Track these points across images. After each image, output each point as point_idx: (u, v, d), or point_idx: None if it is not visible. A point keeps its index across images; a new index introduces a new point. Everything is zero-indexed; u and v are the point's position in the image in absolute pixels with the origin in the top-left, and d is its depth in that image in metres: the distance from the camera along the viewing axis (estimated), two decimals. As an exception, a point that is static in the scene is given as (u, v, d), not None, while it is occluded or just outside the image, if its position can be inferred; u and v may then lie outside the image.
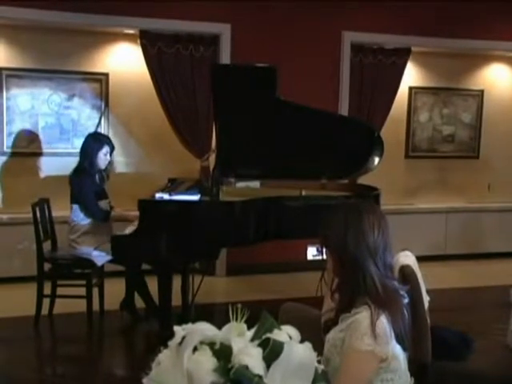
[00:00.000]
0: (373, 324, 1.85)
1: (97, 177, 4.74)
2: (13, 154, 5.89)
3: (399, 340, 1.93)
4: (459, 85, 7.20)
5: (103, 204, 4.71)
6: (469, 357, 2.98)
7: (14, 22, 5.63)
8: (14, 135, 5.86)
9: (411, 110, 7.09)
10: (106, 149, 4.71)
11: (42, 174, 5.99)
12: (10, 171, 5.91)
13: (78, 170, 4.70)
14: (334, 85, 6.40)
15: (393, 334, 1.90)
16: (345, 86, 6.44)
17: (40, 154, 5.96)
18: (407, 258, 2.74)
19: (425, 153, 7.21)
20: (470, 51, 6.96)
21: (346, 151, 4.77)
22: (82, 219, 4.63)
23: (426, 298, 2.75)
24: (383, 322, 1.87)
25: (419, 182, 7.17)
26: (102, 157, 4.70)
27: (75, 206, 4.64)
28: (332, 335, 1.98)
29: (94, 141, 4.75)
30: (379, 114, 6.61)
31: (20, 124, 5.88)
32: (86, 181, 4.63)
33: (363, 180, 5.55)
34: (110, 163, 4.93)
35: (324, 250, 2.07)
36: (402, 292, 2.02)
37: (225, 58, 5.98)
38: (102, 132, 5.97)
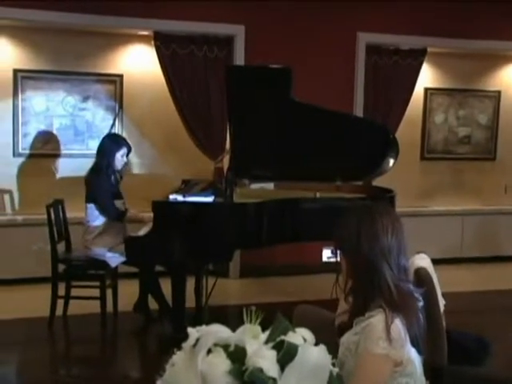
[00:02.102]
0: (387, 327, 1.84)
1: (112, 177, 4.77)
2: (28, 156, 5.94)
3: (414, 344, 1.93)
4: (475, 86, 7.16)
5: (118, 204, 4.74)
6: (485, 361, 2.96)
7: (28, 24, 5.68)
8: (29, 136, 5.92)
9: (427, 111, 7.06)
10: (123, 150, 4.74)
11: (57, 176, 6.03)
12: (24, 172, 5.96)
13: (94, 170, 4.73)
14: (349, 86, 6.39)
15: (408, 338, 1.89)
16: (360, 88, 6.43)
17: (55, 156, 6.01)
18: (422, 261, 2.73)
19: (440, 154, 7.18)
20: (487, 52, 6.91)
21: (361, 153, 4.75)
22: (96, 219, 4.66)
23: (441, 301, 2.73)
24: (398, 325, 1.86)
25: (435, 184, 7.14)
26: (119, 158, 4.73)
27: (90, 206, 4.67)
28: (346, 338, 1.97)
29: (112, 142, 4.78)
30: (394, 116, 6.59)
31: (35, 125, 5.93)
32: (102, 180, 4.65)
33: (378, 182, 5.53)
34: (126, 165, 4.95)
35: (338, 253, 2.07)
36: (416, 295, 2.01)
37: (239, 59, 5.99)
38: (117, 133, 6.00)
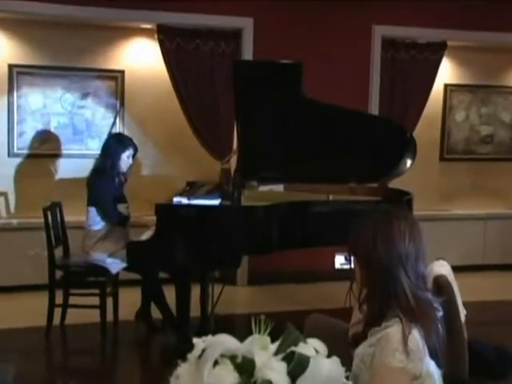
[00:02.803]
0: (405, 339, 1.84)
1: (116, 180, 4.78)
2: (24, 156, 5.97)
3: (433, 356, 1.92)
4: (498, 82, 7.14)
5: (122, 208, 4.75)
6: (508, 374, 2.96)
7: (25, 17, 5.70)
8: (25, 136, 5.94)
9: (446, 108, 7.05)
10: (129, 151, 4.76)
11: (54, 177, 6.06)
12: (20, 174, 5.98)
13: (97, 171, 4.74)
14: (364, 82, 6.38)
15: (426, 350, 1.89)
16: (375, 84, 6.42)
17: (52, 156, 6.03)
18: (442, 268, 2.72)
19: (461, 155, 7.16)
20: (511, 45, 6.89)
21: (376, 153, 4.75)
22: (97, 224, 4.67)
23: (462, 311, 2.72)
24: (416, 336, 1.86)
25: (455, 186, 7.12)
26: (125, 159, 4.75)
27: (91, 209, 4.68)
28: (361, 350, 1.97)
29: (118, 142, 4.79)
30: (412, 114, 6.58)
31: (31, 124, 5.96)
32: (105, 182, 4.66)
33: (394, 184, 5.53)
34: (132, 166, 4.96)
35: (352, 259, 2.07)
36: (435, 304, 2.01)
37: (247, 53, 6.00)
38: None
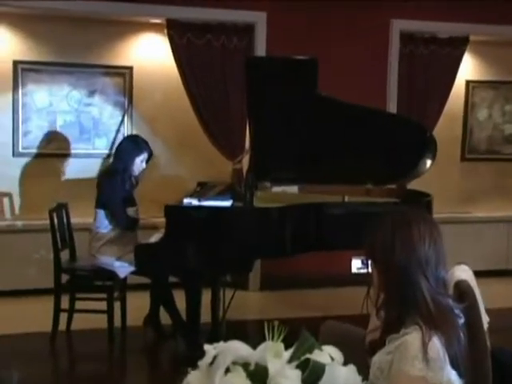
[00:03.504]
0: (424, 346, 1.84)
1: (127, 183, 4.79)
2: (29, 155, 6.00)
3: (454, 365, 1.92)
4: (523, 78, 7.11)
5: (131, 211, 4.77)
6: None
7: (30, 11, 5.73)
8: (30, 135, 5.98)
9: (468, 106, 7.02)
10: (144, 155, 4.78)
11: (61, 177, 6.09)
12: (25, 174, 6.02)
13: (109, 172, 4.78)
14: (381, 79, 6.37)
15: (447, 358, 1.88)
16: (393, 81, 6.41)
17: (58, 156, 6.06)
18: (463, 273, 2.70)
19: (484, 155, 7.13)
20: (537, 40, 6.86)
21: (395, 153, 4.74)
22: (105, 226, 4.69)
23: (485, 318, 2.71)
24: (436, 344, 1.86)
25: (477, 188, 7.08)
26: (139, 163, 4.77)
27: (100, 212, 4.70)
28: (378, 358, 1.97)
29: (134, 145, 4.80)
30: (432, 112, 6.56)
31: (37, 122, 5.99)
32: (116, 185, 4.68)
33: (413, 185, 5.51)
34: (144, 171, 4.97)
35: (369, 263, 2.07)
36: (457, 311, 2.00)
37: (260, 49, 6.00)
38: (125, 131, 6.05)
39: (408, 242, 1.97)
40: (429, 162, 4.82)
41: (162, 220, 4.37)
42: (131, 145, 4.82)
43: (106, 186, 4.71)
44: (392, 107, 6.36)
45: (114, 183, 4.68)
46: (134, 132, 5.91)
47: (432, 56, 6.53)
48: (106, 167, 4.81)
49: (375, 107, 5.21)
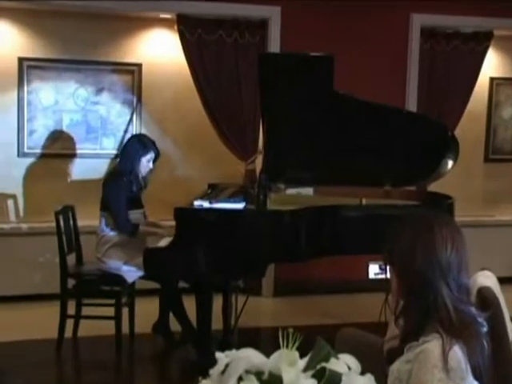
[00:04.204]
0: (445, 355, 1.84)
1: (134, 184, 4.80)
2: (34, 156, 6.03)
3: (477, 376, 1.91)
4: (550, 75, 7.07)
5: (136, 214, 4.77)
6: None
7: (35, 7, 5.76)
8: (35, 134, 6.01)
9: (492, 104, 6.99)
10: (150, 155, 4.79)
11: (67, 179, 6.11)
12: (30, 175, 6.05)
13: (114, 173, 4.80)
14: (401, 76, 6.36)
15: (469, 369, 1.88)
16: (413, 78, 6.39)
17: (64, 156, 6.08)
18: (487, 279, 2.70)
19: (508, 155, 7.09)
20: None
21: (415, 153, 4.73)
22: (111, 229, 4.71)
23: (509, 327, 2.70)
24: (457, 353, 1.85)
25: (501, 190, 7.05)
26: (145, 163, 4.78)
27: (105, 214, 4.72)
28: (397, 366, 1.97)
29: (140, 145, 4.80)
30: (454, 110, 6.54)
31: (42, 122, 6.02)
32: (121, 186, 4.69)
33: (434, 187, 5.49)
34: (151, 171, 4.98)
35: (388, 268, 2.07)
36: (480, 319, 2.00)
37: (274, 45, 6.01)
38: (134, 130, 6.07)
39: (429, 246, 1.97)
40: (450, 163, 4.81)
41: (171, 223, 4.39)
42: (137, 144, 4.82)
43: (109, 188, 4.72)
44: (412, 105, 6.34)
45: (118, 185, 4.69)
46: (143, 131, 5.92)
47: (454, 52, 6.51)
48: (111, 168, 4.81)
49: (394, 105, 5.21)
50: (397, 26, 6.29)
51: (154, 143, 4.90)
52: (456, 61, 6.51)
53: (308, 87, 4.47)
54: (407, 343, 1.96)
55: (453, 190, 5.05)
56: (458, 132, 5.61)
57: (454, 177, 5.21)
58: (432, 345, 1.88)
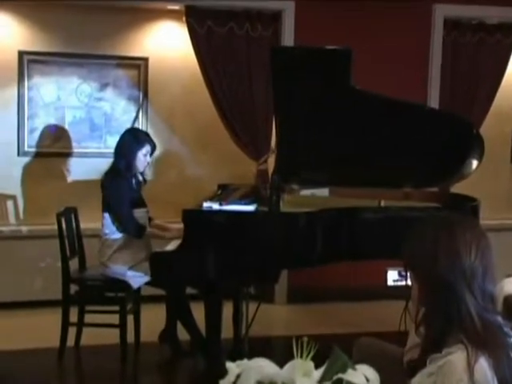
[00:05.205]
0: (470, 368, 1.83)
1: (133, 181, 4.83)
2: (35, 155, 6.06)
3: (504, 389, 1.91)
4: None
5: (140, 213, 4.78)
6: None
7: (38, -2, 5.79)
8: (36, 132, 6.04)
9: (520, 100, 6.96)
10: (146, 148, 4.79)
11: (69, 179, 6.14)
12: (31, 175, 6.08)
13: (111, 172, 4.78)
14: (422, 70, 6.34)
15: (496, 382, 1.87)
16: (435, 72, 6.38)
17: (67, 155, 6.11)
18: (513, 286, 2.70)
19: (537, 154, 7.07)
20: None
21: (437, 152, 4.72)
22: (115, 232, 4.72)
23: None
24: (483, 365, 1.85)
25: (529, 191, 7.03)
26: (142, 158, 4.78)
27: (107, 216, 4.73)
28: (419, 379, 1.96)
29: (133, 139, 4.81)
30: (479, 106, 6.52)
31: (44, 119, 6.05)
32: (121, 185, 4.70)
33: (457, 188, 5.48)
34: (149, 165, 4.99)
35: (408, 274, 2.07)
36: (506, 329, 1.99)
37: (287, 38, 6.01)
38: (140, 128, 6.08)
39: (452, 251, 1.96)
40: (475, 163, 4.79)
41: (179, 226, 4.40)
42: (130, 139, 4.81)
43: (109, 188, 4.72)
44: (434, 101, 6.33)
45: (118, 184, 4.70)
46: (150, 129, 5.93)
47: (479, 44, 6.49)
48: (108, 168, 4.81)
49: (415, 101, 5.20)
50: (418, 18, 6.28)
51: (148, 135, 4.91)
52: (481, 54, 6.49)
53: (324, 83, 4.47)
54: (429, 354, 1.96)
55: (477, 192, 5.03)
56: (483, 130, 5.59)
57: (479, 177, 5.18)
58: (456, 357, 1.87)
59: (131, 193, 4.77)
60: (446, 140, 4.73)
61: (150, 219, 4.91)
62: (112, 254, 4.72)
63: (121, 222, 4.71)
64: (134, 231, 4.71)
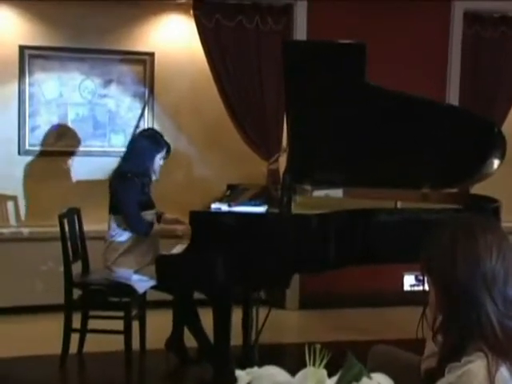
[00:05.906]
0: (491, 377, 1.83)
1: (146, 185, 4.80)
2: (36, 153, 6.08)
3: (525, 399, 1.91)
4: None
5: (148, 216, 4.80)
6: None
7: (40, -9, 5.82)
8: (38, 130, 6.06)
9: (544, 97, 6.94)
10: (163, 152, 4.81)
11: (72, 178, 6.16)
12: (32, 174, 6.10)
13: (124, 174, 4.73)
14: (441, 66, 6.33)
15: (517, 392, 1.87)
16: (455, 68, 6.37)
17: (69, 154, 6.14)
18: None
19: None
20: None
21: (456, 151, 4.71)
22: (121, 234, 4.73)
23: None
24: (504, 375, 1.85)
25: (553, 193, 6.99)
26: (158, 162, 4.79)
27: (114, 218, 4.74)
28: (437, 389, 1.96)
29: (153, 141, 4.79)
30: (500, 104, 6.51)
31: (46, 116, 6.07)
32: (131, 189, 4.69)
33: (478, 189, 5.46)
34: (161, 168, 4.98)
35: (426, 279, 2.06)
36: (528, 336, 1.99)
37: (299, 33, 6.02)
38: (146, 126, 6.10)
39: (472, 254, 1.96)
40: (496, 163, 4.78)
41: (186, 227, 4.40)
42: (150, 142, 4.78)
43: (120, 189, 4.71)
44: (453, 99, 6.32)
45: (128, 187, 4.68)
46: (156, 127, 5.92)
47: (502, 39, 6.48)
48: (118, 167, 4.80)
49: (433, 99, 5.19)
50: (437, 10, 6.27)
51: (163, 137, 4.91)
52: (504, 48, 6.48)
53: (337, 78, 4.46)
54: (447, 363, 1.95)
55: (499, 193, 5.02)
56: (505, 128, 5.57)
57: (501, 178, 5.16)
58: (476, 366, 1.87)
59: (141, 196, 4.76)
60: (467, 138, 4.72)
61: (160, 216, 4.91)
62: (117, 258, 4.72)
63: (130, 223, 4.70)
64: (144, 231, 4.70)
